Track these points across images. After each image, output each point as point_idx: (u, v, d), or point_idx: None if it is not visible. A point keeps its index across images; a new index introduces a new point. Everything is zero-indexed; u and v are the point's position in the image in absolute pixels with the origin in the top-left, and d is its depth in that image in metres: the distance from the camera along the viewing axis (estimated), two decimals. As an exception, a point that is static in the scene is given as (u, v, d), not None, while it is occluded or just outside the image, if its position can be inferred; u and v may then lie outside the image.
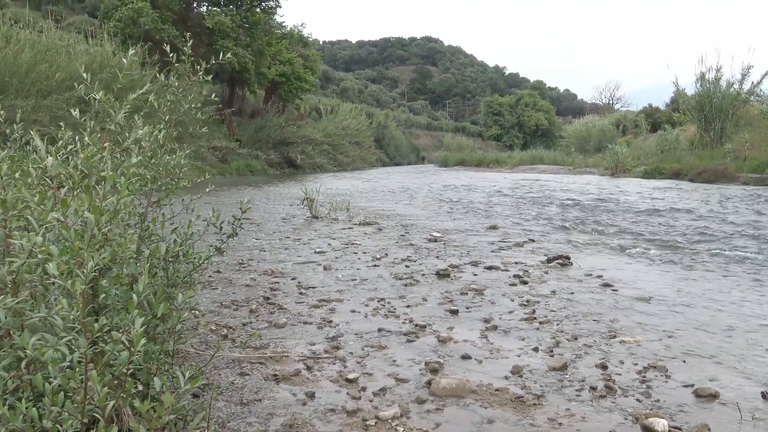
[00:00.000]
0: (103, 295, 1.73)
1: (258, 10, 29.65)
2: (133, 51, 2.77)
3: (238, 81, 30.35)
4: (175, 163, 2.37)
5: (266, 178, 23.79)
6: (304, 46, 37.03)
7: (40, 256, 1.58)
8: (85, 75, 1.95)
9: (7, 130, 2.76)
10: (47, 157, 1.69)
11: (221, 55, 2.66)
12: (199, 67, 2.47)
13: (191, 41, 2.69)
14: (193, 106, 2.43)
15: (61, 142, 2.15)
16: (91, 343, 1.52)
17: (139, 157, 1.83)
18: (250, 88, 30.89)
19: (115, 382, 1.63)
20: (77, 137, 1.95)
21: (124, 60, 2.14)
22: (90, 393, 1.48)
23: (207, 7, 29.18)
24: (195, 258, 2.36)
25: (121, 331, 1.59)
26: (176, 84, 2.43)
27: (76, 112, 2.06)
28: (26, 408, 1.39)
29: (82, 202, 1.64)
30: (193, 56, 2.57)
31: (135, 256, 2.00)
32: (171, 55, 2.49)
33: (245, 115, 32.17)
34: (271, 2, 30.64)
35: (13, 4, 28.39)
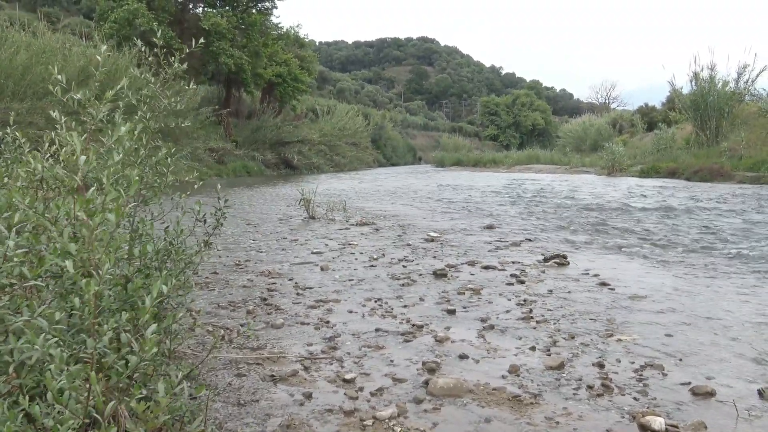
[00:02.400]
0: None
1: (254, 11, 29.62)
2: (105, 45, 2.74)
3: (234, 82, 30.34)
4: (160, 161, 2.35)
5: (263, 179, 23.77)
6: (301, 46, 37.04)
7: (17, 259, 1.57)
8: (60, 77, 1.94)
9: (0, 133, 2.75)
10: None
11: (194, 44, 2.64)
12: (173, 58, 2.44)
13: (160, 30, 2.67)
14: (173, 100, 2.42)
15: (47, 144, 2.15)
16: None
17: (121, 155, 1.82)
18: (247, 89, 30.88)
19: (120, 385, 1.62)
20: (64, 137, 1.94)
21: (99, 57, 2.13)
22: (93, 394, 1.48)
23: (203, 8, 29.15)
24: (185, 255, 2.35)
25: (129, 333, 1.59)
26: (152, 79, 2.42)
27: (55, 114, 2.05)
28: (28, 405, 1.39)
29: (77, 204, 1.64)
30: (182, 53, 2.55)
31: (127, 256, 2.00)
32: (143, 48, 2.46)
33: (242, 116, 32.15)
34: (267, 3, 30.62)
35: (8, 5, 28.33)
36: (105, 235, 1.58)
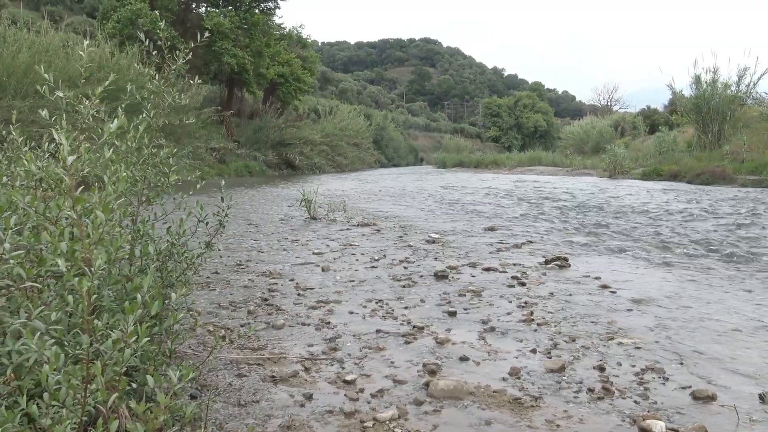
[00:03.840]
0: (95, 295, 1.72)
1: (257, 11, 29.66)
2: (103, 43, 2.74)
3: (236, 82, 30.39)
4: (162, 160, 2.35)
5: (264, 179, 23.78)
6: (303, 47, 37.11)
7: (13, 261, 1.57)
8: (47, 76, 1.94)
9: (3, 132, 2.75)
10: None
11: (199, 38, 2.64)
12: (176, 54, 2.44)
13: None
14: (176, 97, 2.41)
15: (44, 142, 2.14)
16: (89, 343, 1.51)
17: (113, 151, 1.82)
18: (249, 89, 30.93)
19: (116, 379, 1.62)
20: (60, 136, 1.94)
21: (81, 52, 2.12)
22: (89, 391, 1.48)
23: (206, 8, 29.19)
24: (188, 256, 2.35)
25: (120, 329, 1.58)
26: (154, 75, 2.41)
27: (44, 113, 2.05)
28: (27, 405, 1.39)
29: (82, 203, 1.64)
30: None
31: (128, 256, 2.00)
32: (146, 43, 2.46)
33: (244, 116, 32.19)
34: (270, 3, 30.69)
35: (11, 4, 28.38)
36: (95, 232, 1.57)
